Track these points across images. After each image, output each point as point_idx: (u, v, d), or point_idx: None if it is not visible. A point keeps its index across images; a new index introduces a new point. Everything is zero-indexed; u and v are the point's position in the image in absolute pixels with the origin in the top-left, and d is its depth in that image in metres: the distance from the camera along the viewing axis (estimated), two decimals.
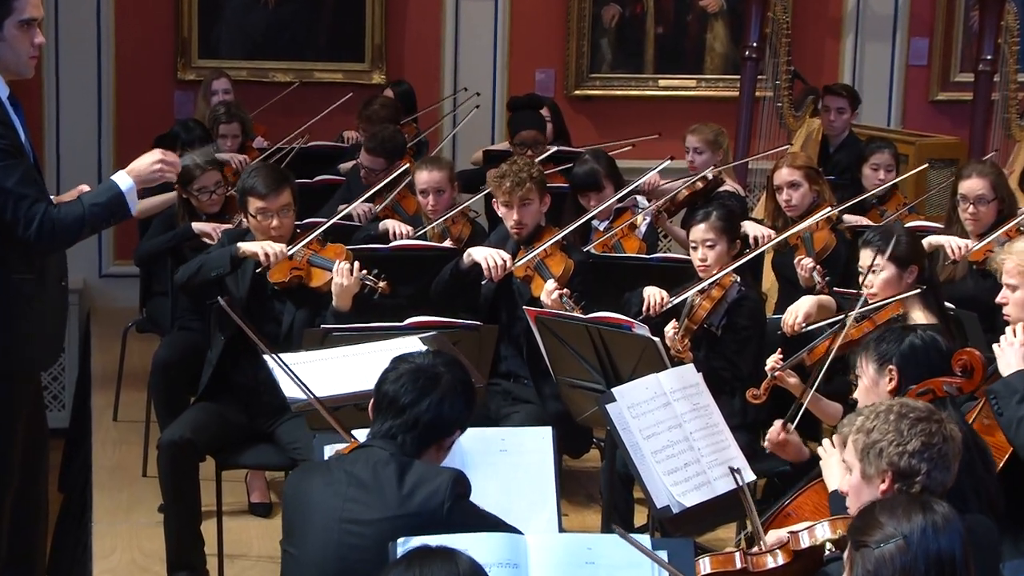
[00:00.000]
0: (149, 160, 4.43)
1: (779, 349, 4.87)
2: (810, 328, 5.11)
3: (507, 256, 5.64)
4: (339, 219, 6.06)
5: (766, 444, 4.36)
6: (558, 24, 9.53)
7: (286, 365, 4.30)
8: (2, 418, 4.48)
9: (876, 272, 4.98)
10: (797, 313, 5.17)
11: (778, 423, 4.35)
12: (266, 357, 4.41)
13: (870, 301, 5.00)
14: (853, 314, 4.87)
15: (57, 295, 4.62)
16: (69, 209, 4.32)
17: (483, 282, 5.63)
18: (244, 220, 6.09)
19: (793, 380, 4.80)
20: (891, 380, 3.98)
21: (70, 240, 4.38)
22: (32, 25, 4.37)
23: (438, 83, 9.36)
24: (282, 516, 3.75)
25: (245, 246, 5.36)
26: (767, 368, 4.83)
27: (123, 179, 4.36)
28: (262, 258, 5.31)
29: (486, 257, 5.62)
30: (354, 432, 3.94)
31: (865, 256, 5.01)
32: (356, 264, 5.28)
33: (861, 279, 5.03)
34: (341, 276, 5.23)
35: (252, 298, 5.38)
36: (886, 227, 5.34)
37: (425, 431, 3.59)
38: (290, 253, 5.38)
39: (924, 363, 3.97)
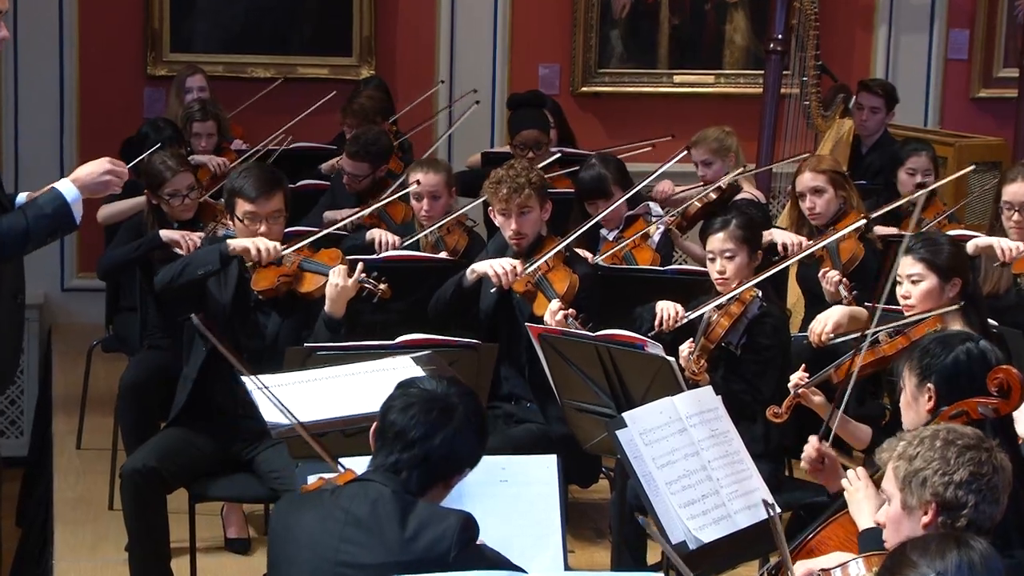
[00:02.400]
0: (97, 170, 4.44)
1: (803, 365, 4.88)
2: (839, 341, 5.12)
3: (515, 262, 5.65)
4: (324, 224, 6.08)
5: (803, 463, 4.27)
6: (563, 14, 9.55)
7: (271, 391, 4.32)
8: None
9: (916, 283, 4.99)
10: (826, 322, 5.18)
11: (813, 438, 4.26)
12: (246, 380, 4.41)
13: (907, 313, 5.01)
14: (886, 328, 4.88)
15: (11, 312, 4.63)
16: (12, 222, 4.34)
17: (492, 290, 5.64)
18: (219, 228, 6.10)
19: (818, 399, 4.80)
20: (929, 399, 3.99)
21: (10, 255, 4.39)
22: None
23: (432, 78, 9.38)
24: (268, 550, 3.74)
25: (235, 242, 5.38)
26: (790, 385, 4.83)
27: (68, 188, 4.38)
28: (253, 253, 5.31)
29: (492, 265, 5.64)
30: (341, 461, 3.95)
31: (905, 264, 5.03)
32: (359, 265, 5.31)
33: (899, 289, 5.04)
34: (338, 277, 5.25)
35: (235, 308, 5.39)
36: (929, 234, 5.35)
37: (434, 468, 3.57)
38: (286, 252, 5.40)
39: (967, 382, 3.96)
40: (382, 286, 5.34)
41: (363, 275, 5.31)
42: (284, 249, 5.41)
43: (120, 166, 4.51)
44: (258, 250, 5.32)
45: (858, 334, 4.99)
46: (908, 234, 4.88)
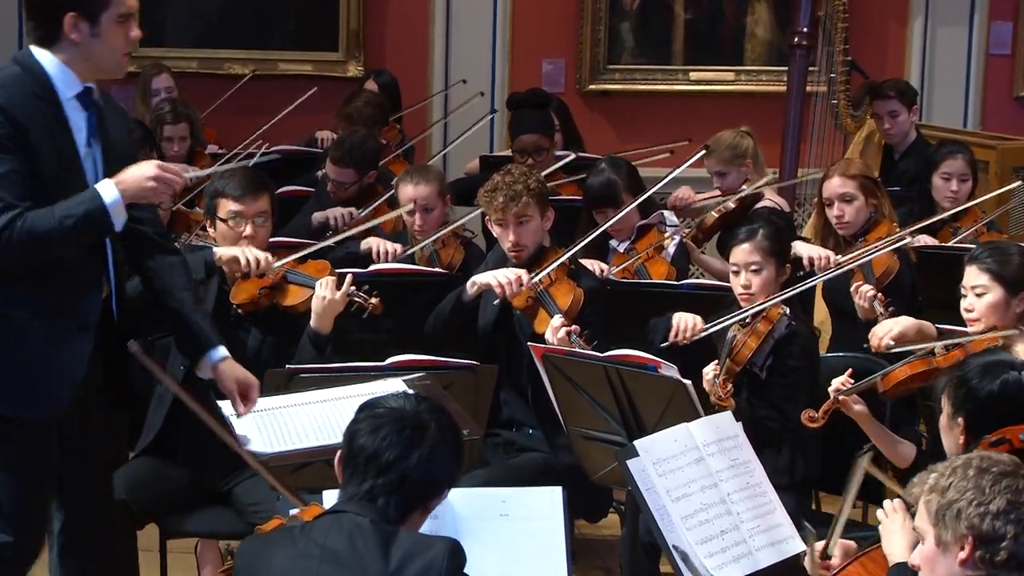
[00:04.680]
0: (142, 173, 4.42)
1: (849, 370, 4.91)
2: (899, 350, 5.15)
3: (521, 271, 5.66)
4: (314, 226, 6.07)
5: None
6: (569, 6, 9.58)
7: (228, 417, 4.34)
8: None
9: (980, 295, 5.03)
10: (892, 328, 5.21)
11: (817, 546, 4.09)
12: (197, 409, 4.42)
13: (970, 328, 5.05)
14: (944, 343, 4.92)
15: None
16: (40, 218, 4.32)
17: (495, 302, 5.66)
18: (193, 239, 6.11)
19: (860, 408, 4.86)
20: (961, 433, 4.03)
21: (32, 255, 4.35)
22: (130, 19, 4.47)
23: (426, 77, 9.40)
24: None
25: (223, 250, 5.38)
26: (831, 389, 4.87)
27: (108, 190, 4.36)
28: (243, 263, 5.31)
29: (495, 275, 5.65)
30: (326, 493, 3.96)
31: (970, 274, 5.08)
32: (348, 277, 5.32)
33: (962, 302, 5.08)
34: (326, 289, 5.27)
35: (215, 323, 5.39)
36: (996, 244, 5.38)
37: (412, 491, 3.59)
38: (277, 264, 5.41)
39: (998, 417, 3.98)
40: (373, 300, 5.36)
41: (353, 288, 5.33)
42: (276, 261, 5.42)
43: (173, 172, 4.47)
44: (247, 260, 5.33)
45: (920, 347, 5.03)
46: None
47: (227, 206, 5.46)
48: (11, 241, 4.27)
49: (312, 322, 5.29)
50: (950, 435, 4.10)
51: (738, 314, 5.43)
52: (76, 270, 4.44)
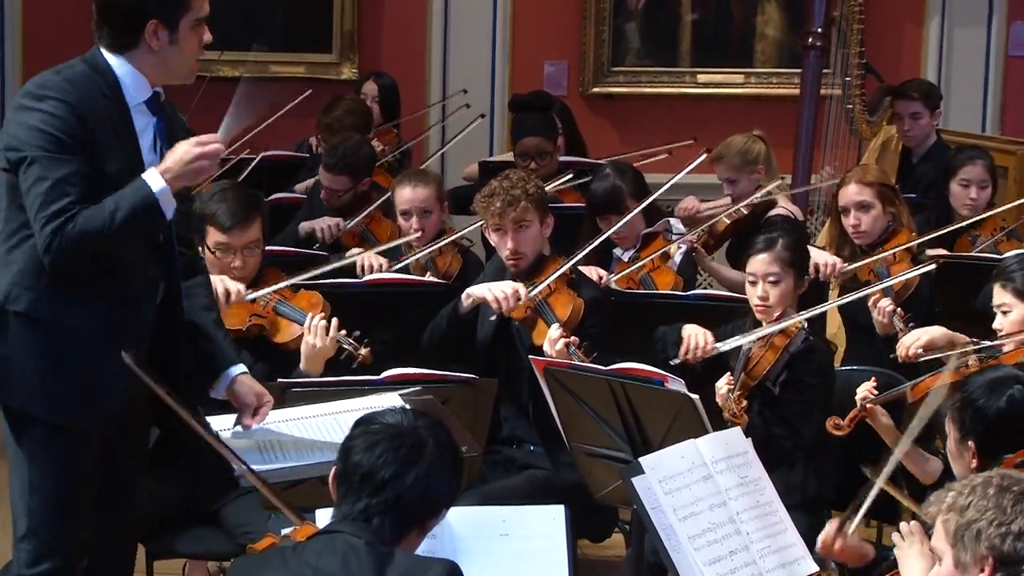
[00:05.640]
0: (185, 156, 4.39)
1: (873, 378, 4.92)
2: (927, 358, 5.16)
3: (517, 284, 5.66)
4: (302, 236, 6.06)
5: (818, 547, 4.27)
6: (572, 5, 9.58)
7: (217, 434, 4.36)
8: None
9: (1006, 312, 5.05)
10: (920, 336, 5.20)
11: (833, 522, 4.25)
12: (194, 424, 4.43)
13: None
14: (974, 349, 4.95)
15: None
16: (92, 214, 4.32)
17: (491, 317, 5.66)
18: None
19: (886, 420, 4.90)
20: (973, 457, 4.04)
21: (100, 247, 4.34)
22: (203, 23, 4.53)
23: (423, 79, 9.40)
24: None
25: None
26: (858, 397, 4.88)
27: (154, 179, 4.36)
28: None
29: (490, 288, 5.65)
30: (320, 512, 3.96)
31: (995, 294, 5.12)
32: (335, 322, 5.32)
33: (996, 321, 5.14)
34: (314, 335, 5.27)
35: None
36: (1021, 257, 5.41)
37: (409, 511, 3.60)
38: (251, 297, 5.41)
39: (1012, 434, 4.01)
40: (363, 351, 5.36)
41: (342, 333, 5.32)
42: (250, 293, 5.41)
43: (211, 144, 4.42)
44: (215, 294, 5.33)
45: (949, 354, 5.05)
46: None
47: (215, 236, 5.46)
48: (64, 240, 4.25)
49: (302, 365, 5.31)
50: (960, 461, 4.11)
51: (753, 333, 5.41)
52: (132, 280, 4.45)
